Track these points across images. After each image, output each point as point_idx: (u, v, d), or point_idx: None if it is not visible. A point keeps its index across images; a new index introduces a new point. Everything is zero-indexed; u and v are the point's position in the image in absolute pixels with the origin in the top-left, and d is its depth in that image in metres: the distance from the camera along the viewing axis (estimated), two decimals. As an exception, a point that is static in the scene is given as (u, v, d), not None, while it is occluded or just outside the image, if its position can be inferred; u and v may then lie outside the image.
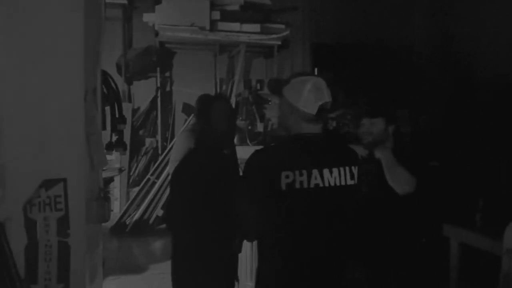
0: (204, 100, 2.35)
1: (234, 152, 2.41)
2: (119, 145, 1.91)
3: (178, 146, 2.79)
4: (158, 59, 4.95)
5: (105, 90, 1.85)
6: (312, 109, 1.37)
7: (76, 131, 1.37)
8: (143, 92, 5.38)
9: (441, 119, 4.74)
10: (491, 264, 2.26)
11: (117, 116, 1.89)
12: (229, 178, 1.71)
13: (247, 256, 2.67)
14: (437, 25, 5.35)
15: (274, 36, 4.82)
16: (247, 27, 4.71)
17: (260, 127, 4.47)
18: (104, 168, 1.96)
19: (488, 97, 4.23)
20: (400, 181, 1.98)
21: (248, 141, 3.89)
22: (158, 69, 5.03)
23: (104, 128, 1.77)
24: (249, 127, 4.38)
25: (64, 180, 1.36)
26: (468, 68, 4.78)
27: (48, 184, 1.36)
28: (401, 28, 5.44)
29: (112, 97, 1.91)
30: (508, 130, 3.86)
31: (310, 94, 1.39)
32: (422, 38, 5.48)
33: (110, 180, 3.29)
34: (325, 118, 1.57)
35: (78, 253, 1.38)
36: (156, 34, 4.69)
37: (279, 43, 4.86)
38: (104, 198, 1.53)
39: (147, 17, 4.80)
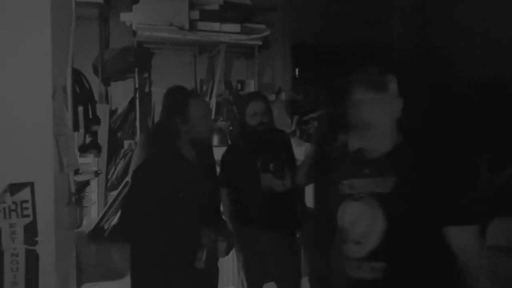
0: (177, 94, 2.19)
1: (211, 156, 2.30)
2: (93, 147, 1.83)
3: (139, 151, 2.46)
4: (136, 59, 4.84)
5: (78, 90, 1.78)
6: None
7: (43, 132, 1.29)
8: (121, 93, 5.26)
9: (422, 119, 4.78)
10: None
11: (90, 116, 1.82)
12: (201, 186, 1.58)
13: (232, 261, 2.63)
14: (416, 29, 5.41)
15: (254, 36, 4.77)
16: (227, 27, 4.65)
17: (241, 127, 4.41)
18: (79, 172, 1.87)
19: (466, 99, 4.29)
20: None
21: (229, 142, 3.83)
22: (136, 69, 4.92)
23: (77, 129, 1.70)
24: (230, 128, 4.32)
25: (31, 184, 1.28)
26: (446, 71, 4.84)
27: (14, 188, 1.27)
28: (381, 30, 5.48)
29: (85, 97, 1.84)
30: (484, 132, 3.91)
31: None
32: (401, 40, 5.53)
33: (86, 183, 3.18)
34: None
35: (48, 261, 1.30)
36: (134, 34, 4.59)
37: (260, 43, 4.81)
38: (75, 202, 1.45)
39: (125, 17, 4.69)
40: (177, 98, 1.94)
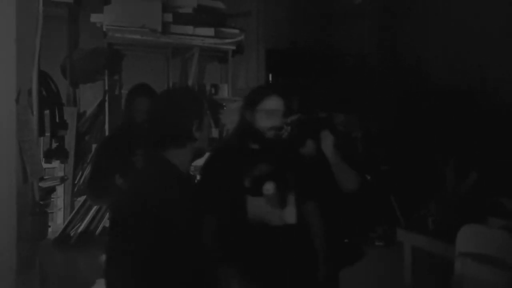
0: (147, 92, 2.05)
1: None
2: (59, 153, 1.75)
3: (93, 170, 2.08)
4: (107, 61, 4.71)
5: (44, 93, 1.69)
6: None
7: (6, 137, 1.21)
8: (90, 96, 5.12)
9: (392, 124, 4.88)
10: (444, 268, 2.30)
11: (57, 120, 1.74)
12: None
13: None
14: (386, 36, 5.54)
15: (228, 40, 4.76)
16: (201, 30, 4.63)
17: (215, 133, 4.37)
18: (45, 177, 1.78)
19: (435, 103, 4.40)
20: (343, 178, 1.98)
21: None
22: (106, 71, 4.80)
23: (43, 134, 1.61)
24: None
25: (-9, 194, 1.20)
26: (415, 77, 4.97)
27: (-29, 198, 1.19)
28: (353, 36, 5.58)
29: (52, 100, 1.75)
30: (453, 134, 4.02)
31: None
32: (372, 46, 5.65)
33: (51, 190, 3.05)
34: None
35: (9, 276, 1.22)
36: (105, 35, 4.48)
37: (234, 48, 4.81)
38: (40, 212, 1.37)
39: (95, 18, 4.57)
40: (191, 97, 1.50)
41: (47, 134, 1.73)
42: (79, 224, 4.32)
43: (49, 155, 1.68)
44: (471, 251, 2.04)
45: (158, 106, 1.45)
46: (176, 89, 2.15)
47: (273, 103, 1.81)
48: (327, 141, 1.98)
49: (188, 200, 1.34)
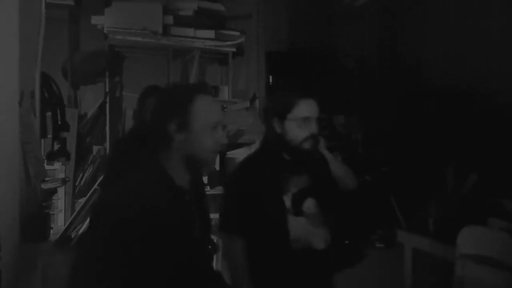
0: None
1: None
2: (61, 154, 1.75)
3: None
4: (107, 63, 4.73)
5: (46, 95, 1.70)
6: None
7: (9, 139, 1.22)
8: (91, 98, 5.13)
9: (392, 125, 4.89)
10: (445, 269, 2.30)
11: (59, 122, 1.74)
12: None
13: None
14: (386, 36, 5.55)
15: (228, 43, 4.78)
16: (201, 33, 4.65)
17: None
18: (45, 179, 1.79)
19: (435, 104, 4.40)
20: (343, 176, 1.97)
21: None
22: (107, 73, 4.81)
23: (45, 135, 1.62)
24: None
25: (-5, 196, 1.21)
26: (415, 79, 4.97)
27: (-25, 200, 1.20)
28: (353, 38, 5.59)
29: (54, 102, 1.76)
30: (454, 135, 4.02)
31: None
32: (372, 48, 5.66)
33: (53, 191, 3.05)
34: None
35: (11, 278, 1.22)
36: (106, 37, 4.49)
37: (234, 50, 4.82)
38: (42, 214, 1.37)
39: (96, 20, 4.59)
40: (178, 92, 1.33)
41: (49, 135, 1.74)
42: (80, 226, 4.33)
43: (51, 157, 1.68)
44: (472, 252, 2.04)
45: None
46: (168, 85, 1.95)
47: (307, 109, 1.52)
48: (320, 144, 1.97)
49: (172, 217, 1.12)
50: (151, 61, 5.16)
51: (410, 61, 5.05)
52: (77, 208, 4.72)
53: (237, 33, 4.79)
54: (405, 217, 3.49)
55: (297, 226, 1.39)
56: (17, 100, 1.23)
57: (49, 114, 1.75)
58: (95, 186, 4.54)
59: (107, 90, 4.92)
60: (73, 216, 4.67)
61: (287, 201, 1.41)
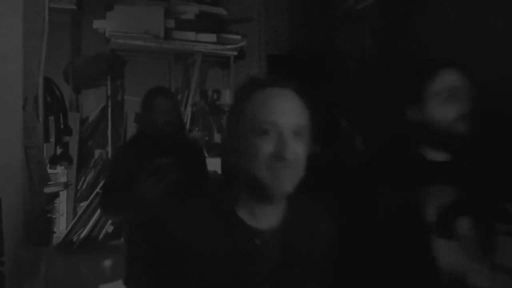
0: (164, 91, 1.92)
1: None
2: (64, 158, 1.76)
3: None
4: (109, 67, 4.74)
5: (49, 99, 1.70)
6: None
7: (12, 144, 1.22)
8: (93, 101, 5.14)
9: (392, 127, 4.87)
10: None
11: (62, 127, 1.74)
12: None
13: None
14: (387, 37, 5.54)
15: (230, 46, 4.79)
16: (203, 36, 4.66)
17: (217, 138, 4.38)
18: (48, 183, 1.79)
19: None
20: None
21: (205, 153, 3.78)
22: (108, 77, 4.82)
23: (48, 140, 1.62)
24: (206, 138, 4.27)
25: (-2, 200, 1.21)
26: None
27: (-22, 204, 1.20)
28: (354, 40, 5.59)
29: (56, 106, 1.76)
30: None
31: None
32: (373, 49, 5.66)
33: (55, 195, 3.05)
34: None
35: (15, 282, 1.23)
36: (107, 41, 4.50)
37: (235, 53, 4.84)
38: (45, 218, 1.37)
39: (98, 24, 4.61)
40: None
41: (52, 140, 1.74)
42: (81, 230, 4.33)
43: (54, 161, 1.68)
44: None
45: None
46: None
47: (451, 77, 1.04)
48: None
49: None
50: (153, 64, 5.17)
51: (411, 63, 5.05)
52: (79, 212, 4.73)
53: (239, 37, 4.80)
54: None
55: (447, 252, 1.01)
56: (21, 105, 1.24)
57: (51, 118, 1.75)
58: (97, 189, 4.54)
59: (109, 94, 4.93)
60: (75, 220, 4.68)
61: (433, 218, 0.98)
